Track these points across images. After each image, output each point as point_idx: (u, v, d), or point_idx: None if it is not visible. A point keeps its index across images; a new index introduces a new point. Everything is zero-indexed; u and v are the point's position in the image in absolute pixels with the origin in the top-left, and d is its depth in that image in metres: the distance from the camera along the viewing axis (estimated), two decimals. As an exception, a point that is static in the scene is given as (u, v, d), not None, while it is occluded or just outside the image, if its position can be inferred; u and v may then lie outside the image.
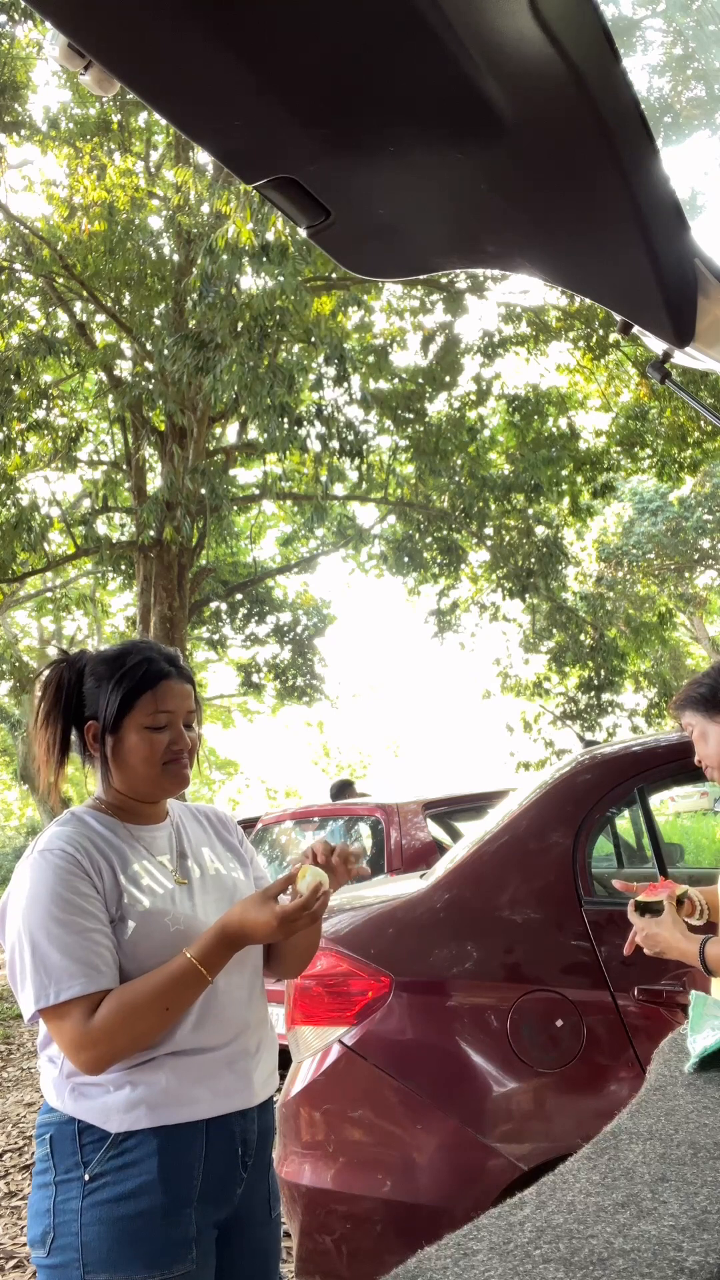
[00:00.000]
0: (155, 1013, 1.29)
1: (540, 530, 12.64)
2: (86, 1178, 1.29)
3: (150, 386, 9.07)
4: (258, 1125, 1.44)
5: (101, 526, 11.69)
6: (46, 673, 1.49)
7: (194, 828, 1.58)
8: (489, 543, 12.46)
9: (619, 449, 12.03)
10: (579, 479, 11.89)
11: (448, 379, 11.89)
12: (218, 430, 12.35)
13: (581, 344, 11.52)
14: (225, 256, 7.82)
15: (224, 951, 1.33)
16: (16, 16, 8.72)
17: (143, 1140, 1.30)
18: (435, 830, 5.19)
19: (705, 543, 19.41)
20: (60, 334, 10.90)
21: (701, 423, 10.79)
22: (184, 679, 1.46)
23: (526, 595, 12.15)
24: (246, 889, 1.53)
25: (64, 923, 1.29)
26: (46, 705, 1.46)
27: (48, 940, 1.28)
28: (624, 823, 3.09)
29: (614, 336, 10.48)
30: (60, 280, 10.44)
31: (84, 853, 1.36)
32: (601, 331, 10.90)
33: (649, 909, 1.71)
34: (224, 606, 15.14)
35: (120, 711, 1.41)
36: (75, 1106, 1.33)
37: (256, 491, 13.71)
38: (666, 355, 1.49)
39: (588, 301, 5.10)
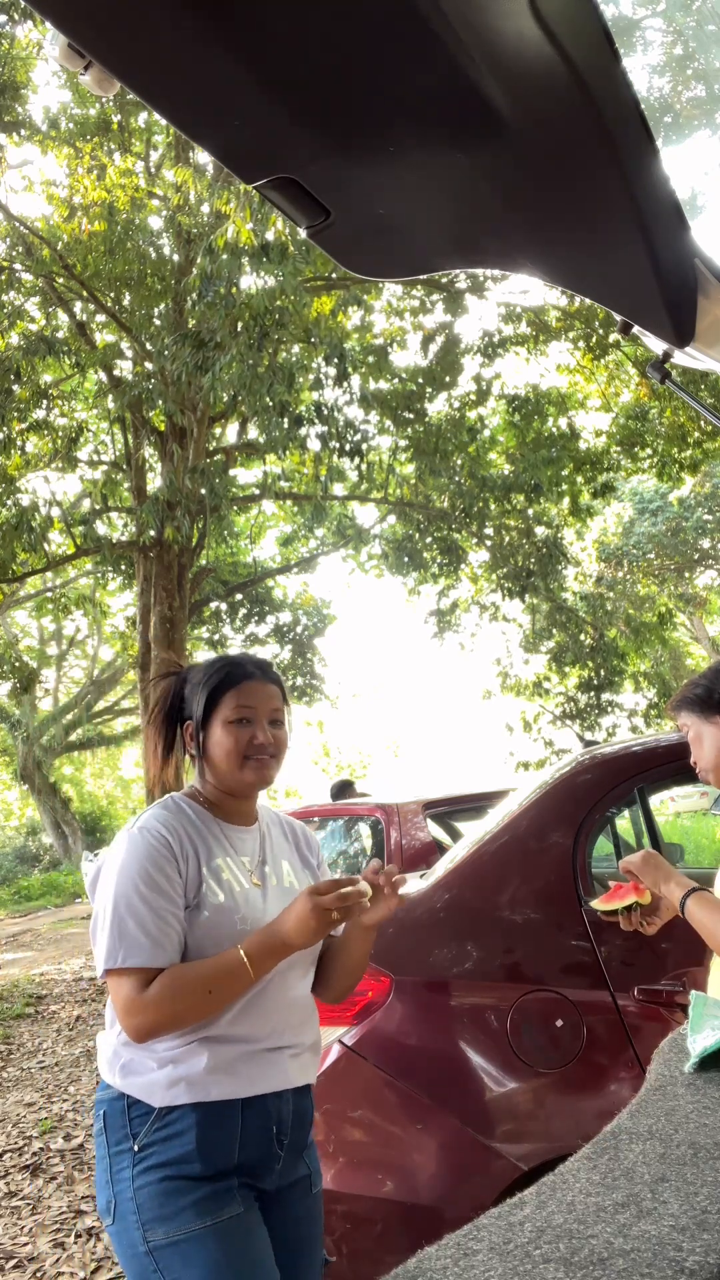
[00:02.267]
0: (199, 995, 1.39)
1: (540, 530, 12.65)
2: (135, 1148, 1.42)
3: (150, 386, 9.07)
4: (293, 1107, 1.53)
5: (101, 526, 11.69)
6: (161, 684, 1.66)
7: (280, 839, 1.69)
8: (489, 543, 12.47)
9: (619, 449, 12.03)
10: (579, 479, 11.90)
11: (448, 379, 11.89)
12: (218, 430, 12.36)
13: (581, 344, 11.52)
14: (225, 256, 7.82)
15: (269, 949, 1.41)
16: (16, 16, 8.71)
17: (183, 1114, 1.42)
18: (435, 830, 5.19)
19: (705, 543, 19.41)
20: (60, 334, 10.91)
21: (701, 423, 10.79)
22: (269, 680, 1.61)
23: (526, 595, 12.16)
24: None
25: (145, 898, 1.41)
26: (156, 713, 1.63)
27: (127, 910, 1.41)
28: (624, 823, 3.09)
29: (614, 336, 10.48)
30: (60, 280, 10.45)
31: (175, 837, 1.48)
32: (601, 331, 10.91)
33: (631, 909, 1.71)
34: (224, 606, 15.15)
35: (207, 708, 1.56)
36: (124, 1083, 1.45)
37: (256, 491, 13.71)
38: (666, 355, 1.49)
39: (588, 301, 5.10)
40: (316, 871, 1.71)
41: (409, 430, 11.86)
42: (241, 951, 1.40)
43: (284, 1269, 1.50)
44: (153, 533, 9.82)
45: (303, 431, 8.95)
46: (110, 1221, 1.43)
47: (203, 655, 16.39)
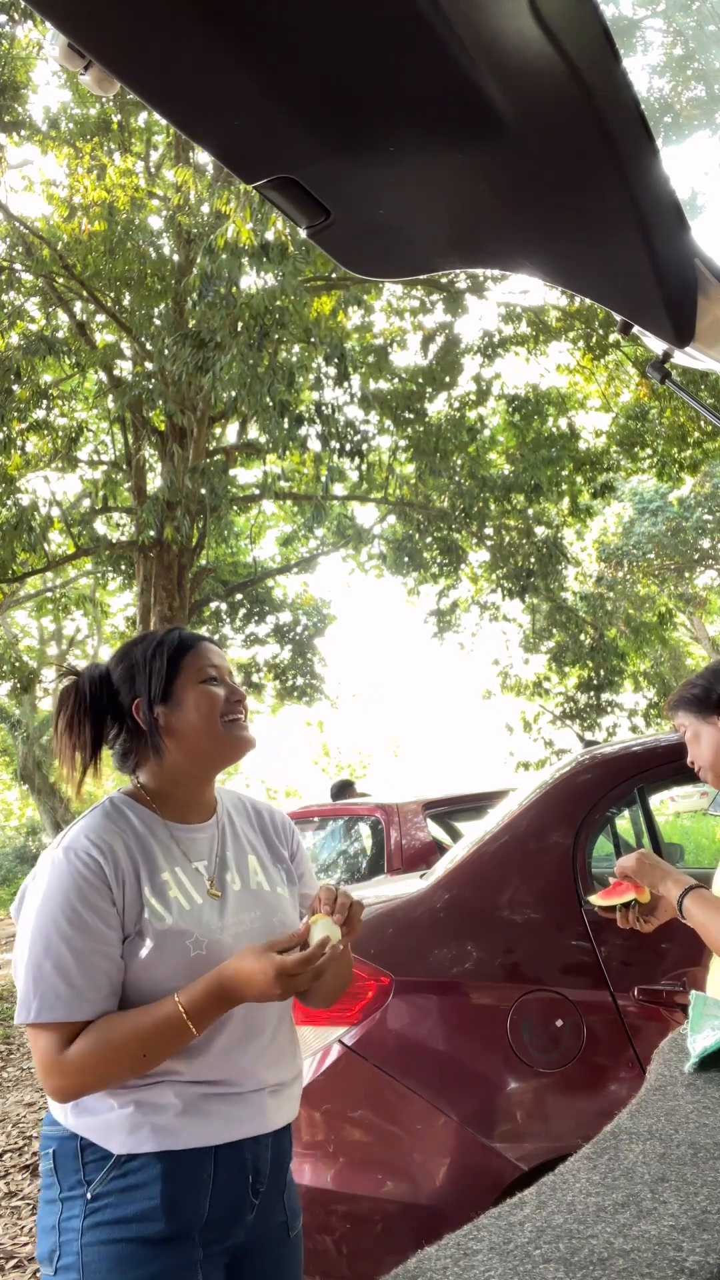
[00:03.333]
0: (132, 1058, 1.21)
1: (540, 530, 12.64)
2: (89, 1196, 1.23)
3: (150, 386, 9.07)
4: (271, 1152, 1.35)
5: (101, 526, 11.69)
6: (61, 687, 1.41)
7: (245, 829, 1.48)
8: (489, 543, 12.46)
9: (619, 449, 12.03)
10: (579, 479, 11.90)
11: (448, 379, 11.89)
12: (218, 430, 12.35)
13: (581, 344, 11.52)
14: (225, 256, 7.82)
15: (216, 1004, 1.23)
16: (16, 16, 8.71)
17: (146, 1164, 1.23)
18: (435, 830, 5.19)
19: (705, 543, 19.41)
20: (60, 334, 10.90)
21: (701, 423, 10.79)
22: (215, 643, 1.45)
23: (526, 595, 12.15)
24: (288, 908, 1.44)
25: (67, 938, 1.22)
26: (68, 713, 1.38)
27: (45, 952, 1.22)
28: (624, 823, 3.09)
29: (614, 336, 10.47)
30: (60, 280, 10.44)
31: (110, 857, 1.27)
32: (601, 331, 10.90)
33: (629, 906, 1.71)
34: (224, 606, 15.13)
35: (169, 675, 1.36)
36: (77, 1122, 1.26)
37: (256, 491, 13.71)
38: (666, 355, 1.49)
39: (588, 301, 5.10)
40: (290, 864, 1.50)
41: (409, 430, 11.85)
42: (181, 1008, 1.21)
43: None
44: (153, 533, 9.81)
45: (303, 431, 8.95)
46: (50, 1272, 1.24)
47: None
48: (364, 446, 9.82)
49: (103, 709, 1.40)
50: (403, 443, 12.02)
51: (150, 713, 1.36)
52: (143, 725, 1.37)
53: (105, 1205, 1.22)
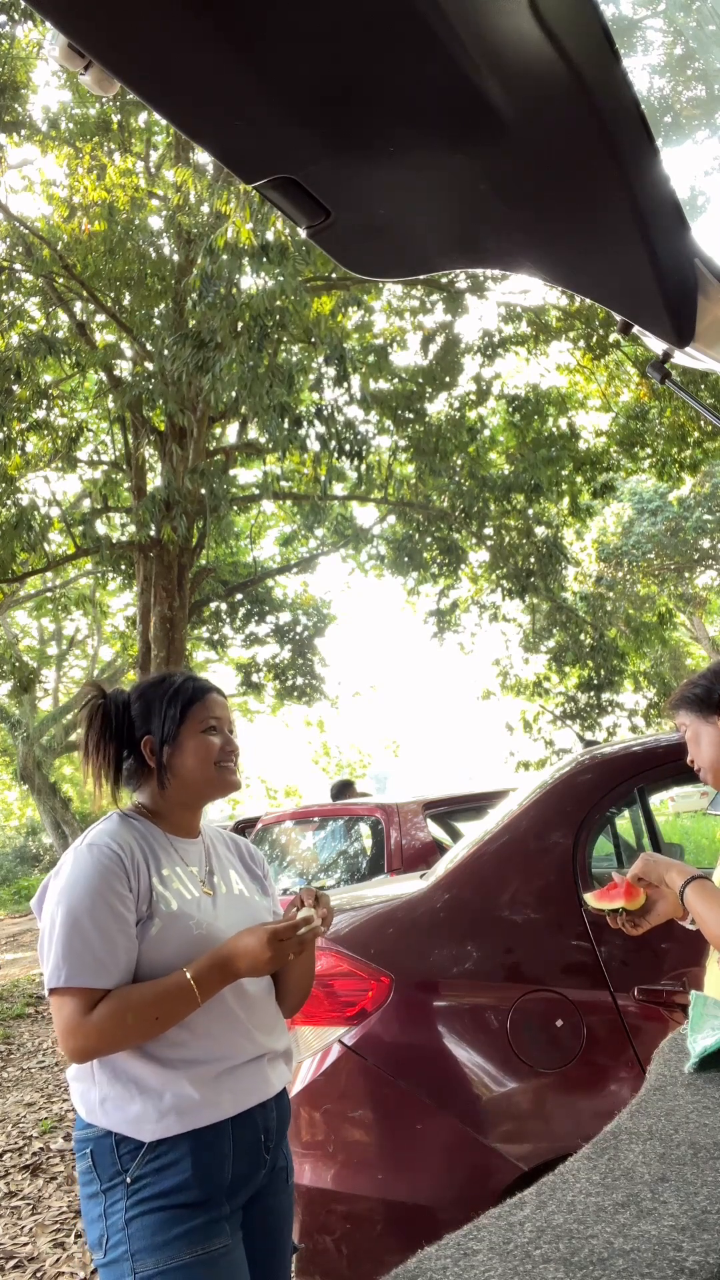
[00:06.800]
0: (147, 1021, 1.40)
1: (540, 530, 12.64)
2: (129, 1180, 1.41)
3: (150, 386, 9.06)
4: (276, 1114, 1.58)
5: (101, 526, 11.68)
6: (89, 704, 1.63)
7: (224, 851, 1.73)
8: (489, 543, 12.46)
9: (619, 449, 12.02)
10: (579, 479, 11.89)
11: (448, 379, 11.89)
12: (218, 430, 12.35)
13: (581, 344, 11.52)
14: (225, 256, 7.82)
15: (218, 975, 1.44)
16: (16, 16, 8.71)
17: (176, 1144, 1.42)
18: (435, 830, 5.19)
19: (705, 543, 19.41)
20: (60, 334, 10.90)
21: (701, 423, 10.79)
22: (221, 694, 1.69)
23: (526, 595, 12.15)
24: (265, 913, 1.67)
25: (94, 917, 1.40)
26: (95, 735, 1.59)
27: (73, 929, 1.40)
28: (624, 823, 3.09)
29: (614, 336, 10.48)
30: (60, 280, 10.44)
31: (127, 851, 1.48)
32: (601, 331, 10.90)
33: (617, 913, 1.70)
34: (224, 606, 15.15)
35: (178, 722, 1.59)
36: (109, 1120, 1.43)
37: (256, 491, 13.70)
38: (666, 355, 1.49)
39: (588, 301, 5.10)
40: (264, 881, 1.75)
41: (409, 430, 11.85)
42: (189, 976, 1.41)
43: (261, 1257, 1.55)
44: (151, 532, 9.80)
45: (303, 432, 8.94)
46: (101, 1255, 1.42)
47: (203, 655, 16.42)
48: (364, 447, 9.80)
49: (122, 735, 1.62)
50: (403, 443, 12.02)
51: (160, 751, 1.59)
52: (150, 761, 1.60)
53: (145, 1185, 1.40)
